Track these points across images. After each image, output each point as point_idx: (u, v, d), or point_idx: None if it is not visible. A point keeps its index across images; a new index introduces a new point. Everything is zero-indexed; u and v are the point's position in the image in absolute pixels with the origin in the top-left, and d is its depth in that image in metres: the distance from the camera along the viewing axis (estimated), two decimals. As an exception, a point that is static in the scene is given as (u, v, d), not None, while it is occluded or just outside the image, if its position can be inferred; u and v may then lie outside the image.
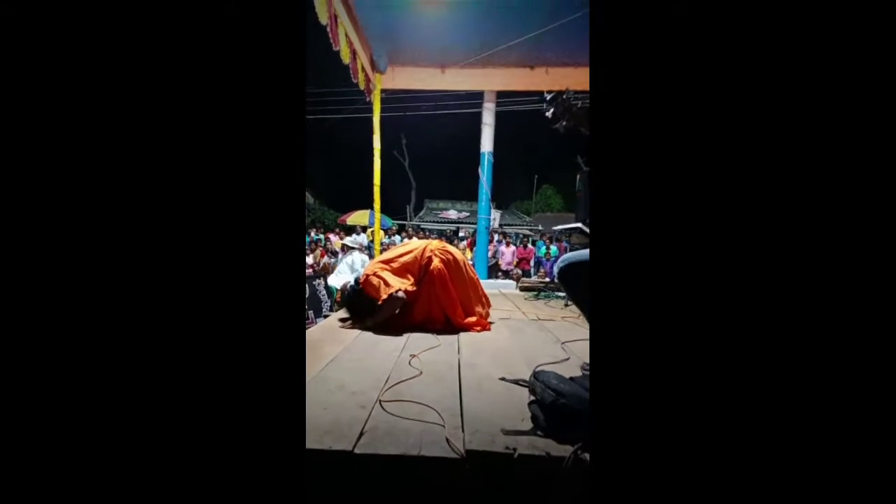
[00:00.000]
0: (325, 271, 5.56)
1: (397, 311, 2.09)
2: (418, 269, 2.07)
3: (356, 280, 2.16)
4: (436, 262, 2.05)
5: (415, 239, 2.29)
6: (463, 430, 0.93)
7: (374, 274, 2.03)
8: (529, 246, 9.09)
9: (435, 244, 2.15)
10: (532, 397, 1.02)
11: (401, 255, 2.11)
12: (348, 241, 6.01)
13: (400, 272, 2.06)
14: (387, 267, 2.07)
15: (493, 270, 7.25)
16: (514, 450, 0.84)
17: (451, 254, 2.13)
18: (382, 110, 4.30)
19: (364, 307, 2.10)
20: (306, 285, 4.36)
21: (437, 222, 16.94)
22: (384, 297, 1.97)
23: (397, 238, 9.23)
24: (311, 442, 0.86)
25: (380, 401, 1.10)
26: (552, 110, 1.11)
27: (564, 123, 1.10)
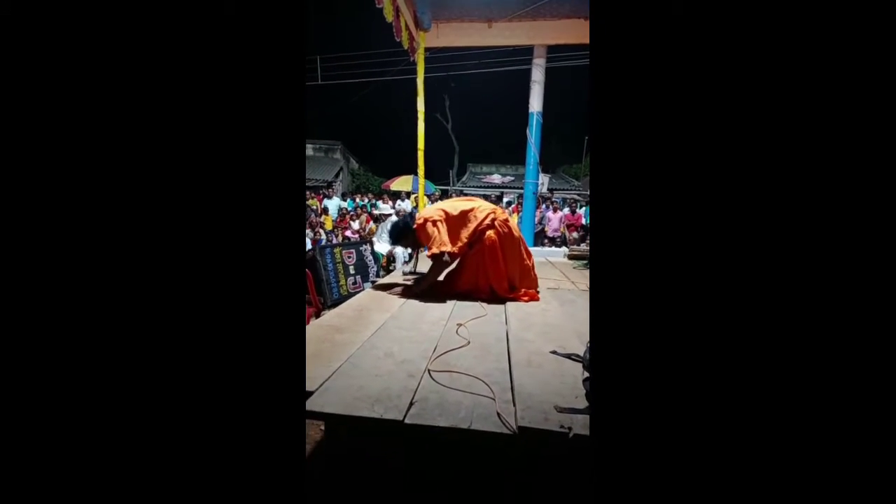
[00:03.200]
0: (371, 236, 5.66)
1: (442, 278, 2.08)
2: (473, 232, 2.01)
3: (411, 215, 2.15)
4: (490, 234, 1.98)
5: (482, 201, 2.19)
6: (514, 405, 0.91)
7: (433, 223, 2.01)
8: (578, 211, 8.74)
9: (500, 214, 2.07)
10: (586, 374, 0.97)
11: (466, 211, 2.05)
12: (385, 208, 6.06)
13: (456, 226, 2.03)
14: (446, 217, 2.04)
15: (540, 237, 7.06)
16: (570, 429, 0.81)
17: (510, 228, 2.05)
18: (426, 70, 4.16)
19: (410, 242, 2.21)
20: (353, 251, 4.46)
21: (481, 187, 16.63)
22: (434, 251, 1.96)
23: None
24: (362, 409, 0.87)
25: (429, 370, 1.09)
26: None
27: None
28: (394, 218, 5.62)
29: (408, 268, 2.74)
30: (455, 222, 2.05)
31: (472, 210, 2.06)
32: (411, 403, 0.91)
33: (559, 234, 7.71)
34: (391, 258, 5.31)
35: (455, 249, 2.00)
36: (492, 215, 2.03)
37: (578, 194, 13.89)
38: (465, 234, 2.02)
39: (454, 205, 2.11)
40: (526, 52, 4.71)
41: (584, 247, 4.33)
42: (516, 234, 2.07)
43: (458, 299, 1.96)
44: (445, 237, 2.00)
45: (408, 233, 2.17)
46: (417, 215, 2.13)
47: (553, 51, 4.63)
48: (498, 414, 0.86)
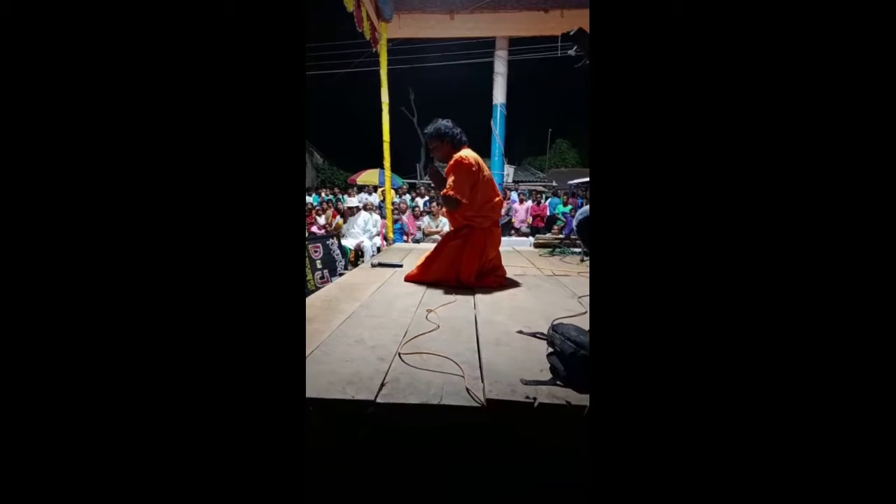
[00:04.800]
0: (338, 231, 5.58)
1: (414, 270, 2.11)
2: (478, 210, 1.98)
3: (454, 135, 2.03)
4: (476, 237, 1.99)
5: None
6: (483, 381, 0.94)
7: (469, 167, 1.95)
8: (543, 202, 8.94)
9: (495, 215, 2.03)
10: (551, 349, 1.02)
11: (491, 181, 2.01)
12: (352, 202, 5.98)
13: (475, 189, 1.98)
14: (479, 170, 1.98)
15: (506, 228, 7.18)
16: (535, 399, 0.85)
17: (497, 231, 2.06)
18: (389, 63, 4.13)
19: (440, 153, 2.09)
20: (320, 245, 4.39)
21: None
22: (450, 193, 1.91)
23: (407, 197, 9.15)
24: (334, 392, 0.88)
25: (399, 353, 1.11)
26: (575, 47, 1.03)
27: (588, 62, 1.02)
28: (364, 213, 5.56)
29: (376, 259, 2.74)
30: (478, 184, 1.97)
31: (493, 187, 2.02)
32: (382, 384, 0.93)
33: (525, 224, 7.86)
34: (359, 252, 5.26)
35: (465, 202, 1.94)
36: (498, 206, 2.01)
37: (544, 185, 14.17)
38: (472, 207, 1.98)
39: (484, 167, 2.02)
40: (489, 45, 4.75)
41: (550, 235, 4.45)
42: (498, 231, 2.11)
43: (427, 286, 1.98)
44: (467, 189, 1.93)
45: (447, 140, 2.03)
46: (458, 155, 1.98)
47: (515, 44, 4.70)
48: (467, 389, 0.89)
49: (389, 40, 4.11)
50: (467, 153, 1.99)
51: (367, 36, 3.72)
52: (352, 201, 6.06)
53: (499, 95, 4.53)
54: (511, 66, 4.60)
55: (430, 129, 2.09)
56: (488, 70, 4.73)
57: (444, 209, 2.38)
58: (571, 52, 1.04)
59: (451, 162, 1.98)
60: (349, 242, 5.20)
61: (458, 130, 2.06)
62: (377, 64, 4.10)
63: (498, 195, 2.10)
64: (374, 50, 4.04)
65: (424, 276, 2.06)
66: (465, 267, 1.99)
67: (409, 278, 2.12)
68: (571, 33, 1.06)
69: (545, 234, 5.48)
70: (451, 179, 1.94)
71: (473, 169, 1.95)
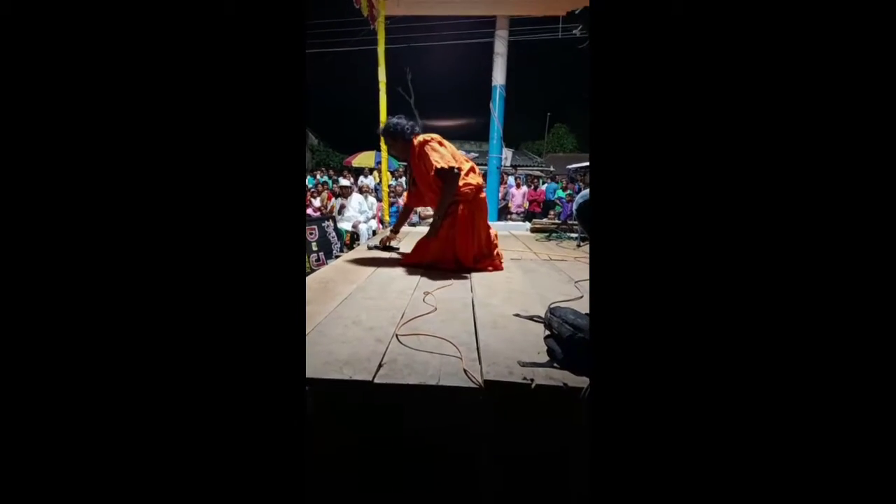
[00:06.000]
0: (332, 213, 5.54)
1: (409, 249, 2.10)
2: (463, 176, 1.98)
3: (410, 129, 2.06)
4: (462, 209, 1.97)
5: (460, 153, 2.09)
6: (480, 363, 0.95)
7: (436, 142, 1.98)
8: (541, 187, 8.91)
9: (475, 180, 2.02)
10: (548, 332, 1.02)
11: (458, 156, 2.01)
12: (345, 183, 5.95)
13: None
14: (441, 145, 1.99)
15: (504, 212, 7.16)
16: (532, 380, 0.85)
17: (483, 198, 2.05)
18: (387, 41, 4.03)
19: (398, 150, 2.11)
20: (316, 227, 4.36)
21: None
22: (442, 164, 1.90)
23: (403, 180, 9.07)
24: (332, 373, 0.88)
25: (396, 335, 1.11)
26: (581, 27, 1.01)
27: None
28: (357, 195, 5.51)
29: (372, 242, 2.73)
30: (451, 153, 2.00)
31: (465, 159, 2.03)
32: (380, 365, 0.93)
33: (522, 209, 7.84)
34: (355, 235, 5.23)
35: (459, 166, 1.94)
36: (470, 177, 2.00)
37: (541, 170, 14.10)
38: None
39: (452, 151, 2.03)
40: (489, 25, 4.64)
41: (547, 220, 4.44)
42: (485, 205, 2.10)
43: (424, 269, 1.98)
44: (450, 157, 1.95)
45: (399, 137, 2.05)
46: (418, 140, 2.00)
47: (516, 24, 4.60)
48: (465, 370, 0.90)
49: (387, 18, 4.00)
50: (419, 138, 2.03)
51: (365, 13, 3.62)
52: (346, 183, 6.01)
53: (498, 77, 4.45)
54: (511, 48, 4.51)
55: (380, 130, 2.19)
56: (487, 52, 4.64)
57: (409, 205, 2.38)
58: (577, 32, 1.01)
59: (416, 148, 2.01)
60: (345, 224, 5.17)
61: (408, 124, 2.08)
62: (374, 42, 4.00)
63: (467, 160, 2.10)
64: (371, 27, 3.94)
65: (422, 258, 2.06)
66: (459, 243, 1.98)
67: (408, 260, 2.11)
68: (577, 12, 1.03)
69: (542, 219, 5.47)
70: (431, 158, 1.94)
71: (437, 140, 1.99)
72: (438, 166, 1.91)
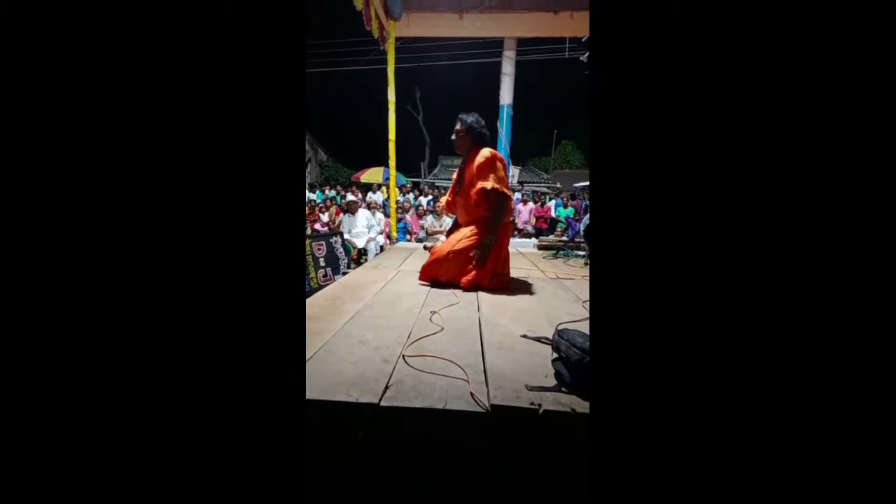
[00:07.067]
0: (339, 228, 5.58)
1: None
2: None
3: (480, 133, 2.08)
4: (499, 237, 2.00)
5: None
6: (487, 386, 0.94)
7: (502, 160, 2.00)
8: (547, 203, 8.92)
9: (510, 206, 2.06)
10: (555, 355, 1.02)
11: (505, 179, 2.02)
12: (352, 198, 6.03)
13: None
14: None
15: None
16: (539, 405, 0.85)
17: (509, 223, 2.07)
18: (397, 61, 4.11)
19: (464, 149, 2.12)
20: (324, 243, 4.39)
21: (452, 180, 16.65)
22: (494, 185, 1.94)
23: (411, 196, 9.15)
24: (338, 394, 0.88)
25: (403, 356, 1.11)
26: (587, 53, 1.02)
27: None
28: (365, 210, 5.56)
29: (378, 260, 2.74)
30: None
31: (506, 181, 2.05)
32: (387, 387, 0.92)
33: (529, 225, 7.85)
34: (362, 251, 5.26)
35: (507, 191, 1.95)
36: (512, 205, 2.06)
37: (548, 187, 14.14)
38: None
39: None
40: (497, 45, 4.74)
41: (554, 238, 4.43)
42: (511, 229, 2.13)
43: (431, 285, 1.98)
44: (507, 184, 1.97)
45: (474, 136, 2.05)
46: (491, 151, 2.00)
47: (523, 44, 4.69)
48: (472, 394, 0.89)
49: (397, 39, 4.10)
50: (491, 151, 2.03)
51: (375, 34, 3.71)
52: (351, 197, 6.09)
53: (506, 96, 4.52)
54: (518, 67, 4.58)
55: (469, 118, 2.10)
56: (494, 71, 4.72)
57: (445, 210, 2.38)
58: (583, 59, 1.03)
59: (485, 159, 1.98)
60: (359, 241, 5.19)
61: (486, 131, 2.11)
62: (384, 62, 4.09)
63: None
64: (381, 48, 4.04)
65: (438, 276, 2.06)
66: (487, 268, 1.99)
67: (424, 277, 2.12)
68: (584, 40, 1.05)
69: (549, 235, 5.46)
70: (492, 176, 1.93)
71: (503, 163, 2.02)
72: (503, 190, 1.94)
